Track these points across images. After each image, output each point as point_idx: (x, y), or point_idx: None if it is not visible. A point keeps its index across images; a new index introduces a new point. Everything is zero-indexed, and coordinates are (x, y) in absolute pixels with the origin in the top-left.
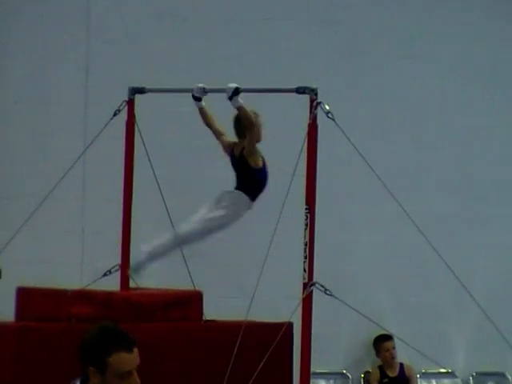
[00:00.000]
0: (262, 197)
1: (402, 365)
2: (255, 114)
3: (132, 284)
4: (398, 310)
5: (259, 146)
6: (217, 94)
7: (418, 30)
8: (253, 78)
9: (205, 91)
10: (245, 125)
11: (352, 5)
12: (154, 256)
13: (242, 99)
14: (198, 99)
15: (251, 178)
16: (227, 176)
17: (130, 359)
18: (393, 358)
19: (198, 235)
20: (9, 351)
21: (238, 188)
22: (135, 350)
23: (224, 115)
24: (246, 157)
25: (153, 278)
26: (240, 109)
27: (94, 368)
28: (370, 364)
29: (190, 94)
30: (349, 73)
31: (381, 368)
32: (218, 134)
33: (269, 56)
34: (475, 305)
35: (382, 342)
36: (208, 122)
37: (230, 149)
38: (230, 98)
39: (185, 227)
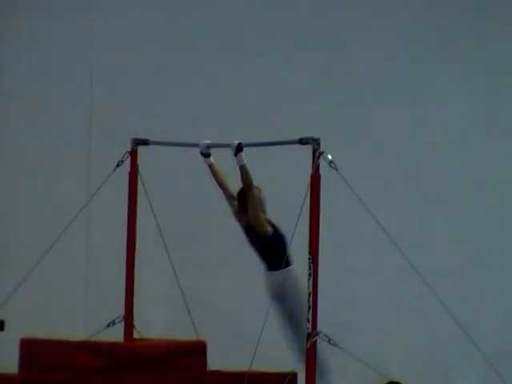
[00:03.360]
0: None
1: None
2: (258, 188)
3: (136, 335)
4: (403, 360)
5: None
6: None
7: (422, 79)
8: (255, 129)
9: (209, 146)
10: (244, 185)
11: (354, 54)
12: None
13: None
14: (206, 155)
15: (267, 248)
16: (231, 228)
17: None
18: None
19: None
20: None
21: (268, 269)
22: None
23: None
24: (253, 227)
25: (157, 329)
26: (242, 168)
27: None
28: None
29: (193, 146)
30: (351, 123)
31: None
32: (228, 198)
33: (270, 107)
34: (481, 355)
35: None
36: (218, 181)
37: (239, 216)
38: (236, 155)
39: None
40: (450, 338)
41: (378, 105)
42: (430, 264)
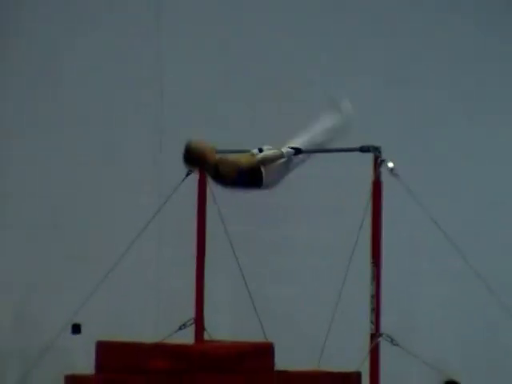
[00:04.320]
0: (330, 250)
1: None
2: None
3: (206, 337)
4: (466, 362)
5: None
6: None
7: (485, 89)
8: None
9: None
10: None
11: (418, 64)
12: None
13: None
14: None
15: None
16: (300, 234)
17: None
18: None
19: None
20: None
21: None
22: None
23: None
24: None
25: (225, 331)
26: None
27: None
28: None
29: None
30: (414, 131)
31: None
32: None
33: None
34: None
35: None
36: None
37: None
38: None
39: None
40: None
41: (441, 114)
42: (493, 270)
